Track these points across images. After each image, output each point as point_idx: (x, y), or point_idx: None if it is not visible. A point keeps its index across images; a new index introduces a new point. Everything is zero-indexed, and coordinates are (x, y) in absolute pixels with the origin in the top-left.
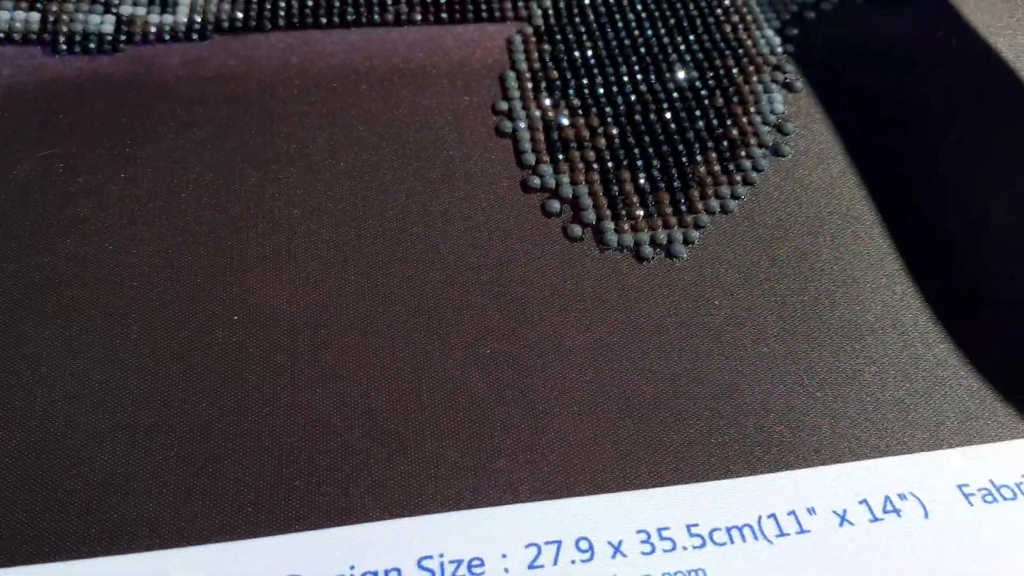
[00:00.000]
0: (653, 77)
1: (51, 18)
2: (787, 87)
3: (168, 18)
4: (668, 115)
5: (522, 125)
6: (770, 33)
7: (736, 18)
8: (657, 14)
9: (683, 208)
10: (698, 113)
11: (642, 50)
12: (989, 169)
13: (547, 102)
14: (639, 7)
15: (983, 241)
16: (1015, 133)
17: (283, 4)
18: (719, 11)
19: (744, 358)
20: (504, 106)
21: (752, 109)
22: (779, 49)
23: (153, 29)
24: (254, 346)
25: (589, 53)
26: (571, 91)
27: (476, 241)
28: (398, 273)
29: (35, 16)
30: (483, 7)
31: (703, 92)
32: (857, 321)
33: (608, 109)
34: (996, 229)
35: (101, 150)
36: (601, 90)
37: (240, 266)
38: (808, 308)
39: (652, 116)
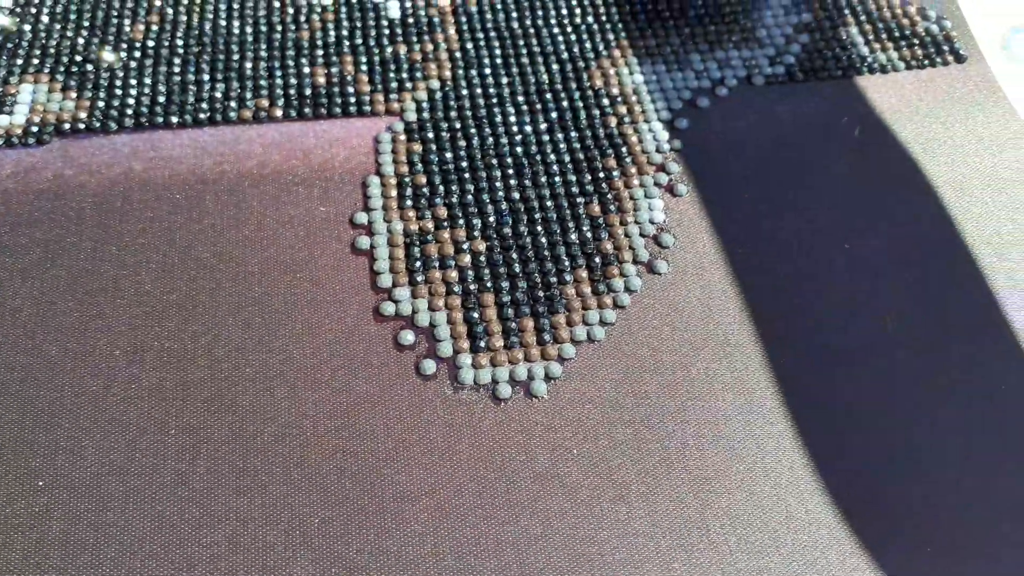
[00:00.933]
0: (528, 181)
1: None
2: (670, 191)
3: (4, 120)
4: (540, 227)
5: (381, 241)
6: (658, 126)
7: (623, 109)
8: (539, 106)
9: (547, 338)
10: (572, 224)
11: (519, 149)
12: (888, 288)
13: (412, 213)
14: (520, 99)
15: (866, 371)
16: (922, 239)
17: (131, 101)
18: (605, 102)
19: (603, 518)
20: (363, 218)
21: (630, 219)
22: (666, 146)
23: None
24: (60, 519)
25: (462, 152)
26: (439, 199)
27: (316, 382)
28: (224, 426)
29: None
30: (351, 101)
31: (579, 199)
32: (729, 468)
33: (477, 221)
34: (880, 350)
35: None
36: (471, 197)
37: (48, 421)
38: (673, 456)
39: (523, 228)
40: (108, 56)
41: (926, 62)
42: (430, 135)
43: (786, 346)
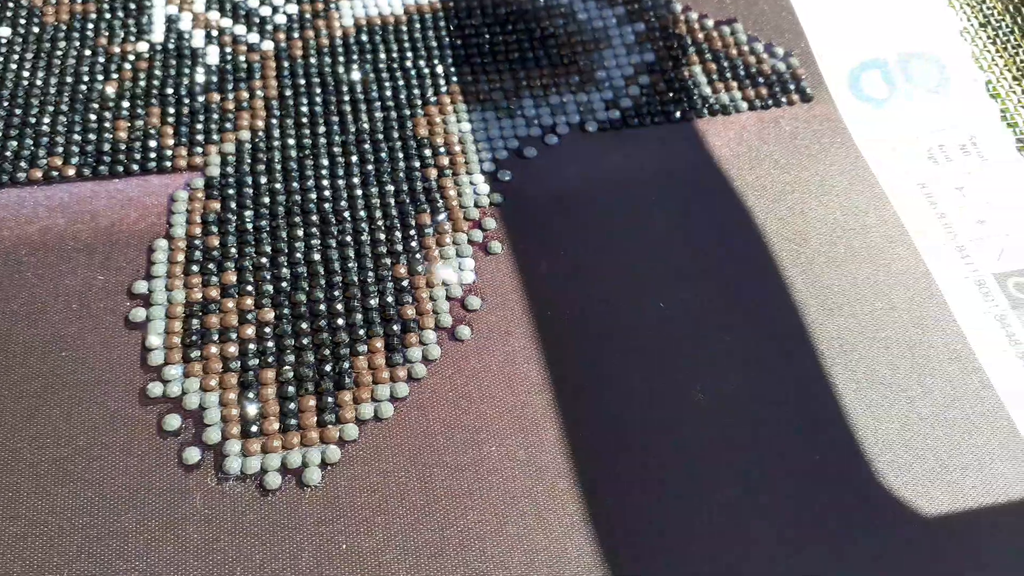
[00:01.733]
0: (333, 240)
1: None
2: (484, 249)
3: None
4: (337, 292)
5: (159, 312)
6: (480, 179)
7: (445, 160)
8: (355, 157)
9: (329, 418)
10: (374, 288)
11: (326, 205)
12: (705, 353)
13: (197, 280)
14: (336, 151)
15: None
16: (749, 295)
17: None
18: (427, 152)
19: None
20: (143, 287)
21: (436, 279)
22: (485, 199)
23: None
24: None
25: (264, 210)
26: (230, 263)
27: (68, 475)
28: None
29: None
30: (152, 156)
31: (386, 259)
32: (510, 560)
33: (269, 287)
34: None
35: None
36: (265, 260)
37: None
38: (450, 547)
39: (319, 293)
40: None
41: (771, 102)
42: (231, 191)
43: (586, 420)
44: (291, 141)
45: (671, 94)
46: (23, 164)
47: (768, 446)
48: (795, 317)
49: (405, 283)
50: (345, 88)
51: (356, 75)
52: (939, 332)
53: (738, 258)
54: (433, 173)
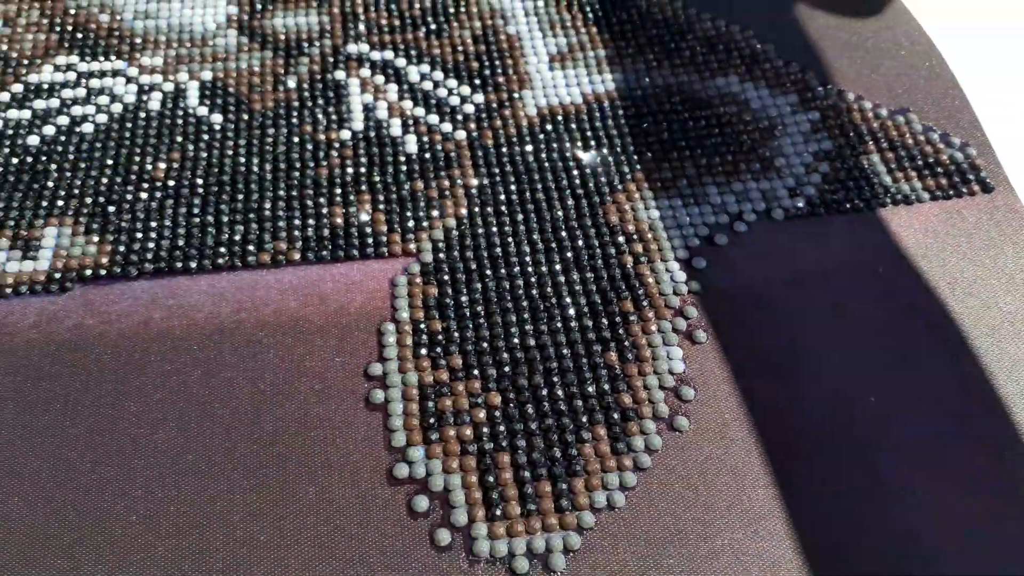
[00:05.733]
0: (545, 327)
1: None
2: (689, 338)
3: (28, 265)
4: (556, 378)
5: (396, 395)
6: (675, 266)
7: (639, 248)
8: (554, 244)
9: (566, 504)
10: (589, 375)
11: (534, 292)
12: (913, 443)
13: (427, 363)
14: (535, 238)
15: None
16: (951, 387)
17: (151, 245)
18: (621, 239)
19: None
20: (378, 369)
21: (648, 368)
22: (683, 287)
23: (10, 280)
24: None
25: (478, 295)
26: (454, 347)
27: (330, 553)
28: None
29: None
30: (369, 242)
31: (596, 346)
32: None
33: (492, 371)
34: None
35: None
36: (486, 344)
37: None
38: None
39: (539, 378)
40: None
41: (951, 192)
42: (446, 277)
43: (813, 515)
44: (493, 229)
45: (852, 183)
46: (251, 248)
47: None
48: (999, 409)
49: (618, 371)
50: (536, 176)
51: (586, 157)
52: None
53: (936, 352)
54: (629, 260)
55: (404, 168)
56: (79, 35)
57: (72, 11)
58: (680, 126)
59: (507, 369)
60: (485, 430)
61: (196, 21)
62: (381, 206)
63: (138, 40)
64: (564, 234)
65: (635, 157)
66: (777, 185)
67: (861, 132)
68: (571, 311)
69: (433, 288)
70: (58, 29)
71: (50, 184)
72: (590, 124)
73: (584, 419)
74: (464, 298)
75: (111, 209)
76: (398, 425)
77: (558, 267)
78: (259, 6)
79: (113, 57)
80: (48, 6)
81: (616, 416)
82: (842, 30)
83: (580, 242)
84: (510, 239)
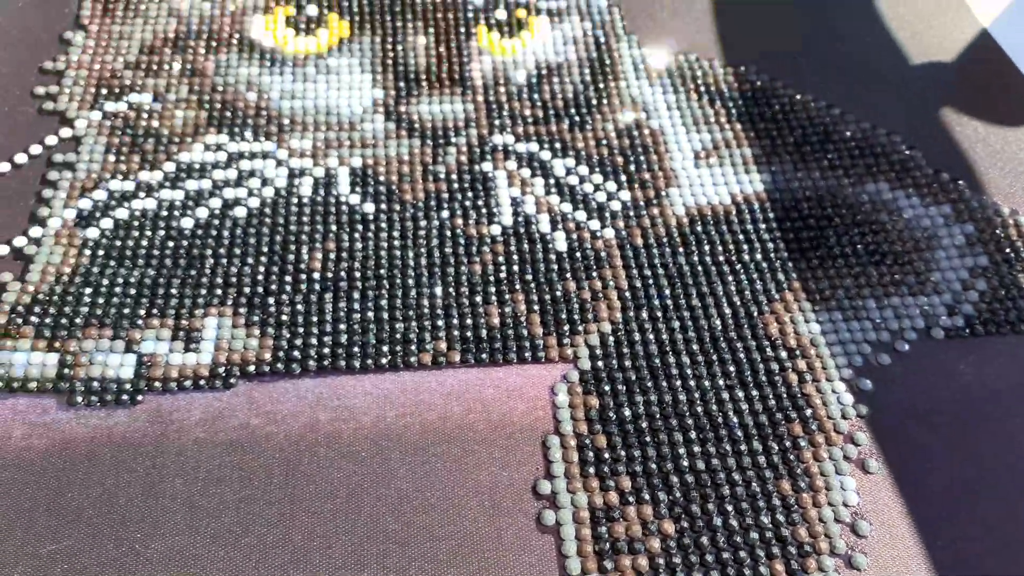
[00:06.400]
0: (712, 448)
1: (68, 358)
2: (860, 466)
3: (191, 358)
4: (730, 506)
5: (567, 517)
6: (841, 387)
7: (802, 364)
8: (714, 356)
9: None
10: (762, 503)
11: (699, 408)
12: None
13: (595, 483)
14: (694, 347)
15: None
16: None
17: (313, 341)
18: (783, 354)
19: None
20: (547, 487)
21: (823, 499)
22: (851, 411)
23: (175, 373)
24: None
25: (640, 409)
26: (622, 467)
27: None
28: None
29: (52, 358)
30: (526, 345)
31: (767, 471)
32: None
33: (663, 494)
34: None
35: (108, 544)
36: (655, 465)
37: None
38: None
39: (711, 505)
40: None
41: None
42: (606, 387)
43: None
44: (650, 336)
45: (1010, 302)
46: (413, 348)
47: None
48: None
49: (792, 501)
50: (690, 281)
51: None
52: None
53: None
54: (794, 378)
55: (555, 267)
56: (228, 113)
57: (220, 88)
58: (833, 232)
59: (678, 494)
60: (661, 561)
61: (343, 104)
62: (535, 307)
63: (286, 121)
64: (723, 344)
65: (789, 264)
66: (935, 301)
67: (1018, 248)
68: (739, 432)
69: (594, 399)
70: (207, 106)
71: (207, 270)
72: (740, 227)
73: (761, 553)
74: (627, 411)
75: (270, 300)
76: (572, 551)
77: (721, 381)
78: (404, 92)
79: (262, 138)
80: (196, 82)
81: (793, 550)
82: (992, 137)
83: (741, 355)
84: (668, 348)
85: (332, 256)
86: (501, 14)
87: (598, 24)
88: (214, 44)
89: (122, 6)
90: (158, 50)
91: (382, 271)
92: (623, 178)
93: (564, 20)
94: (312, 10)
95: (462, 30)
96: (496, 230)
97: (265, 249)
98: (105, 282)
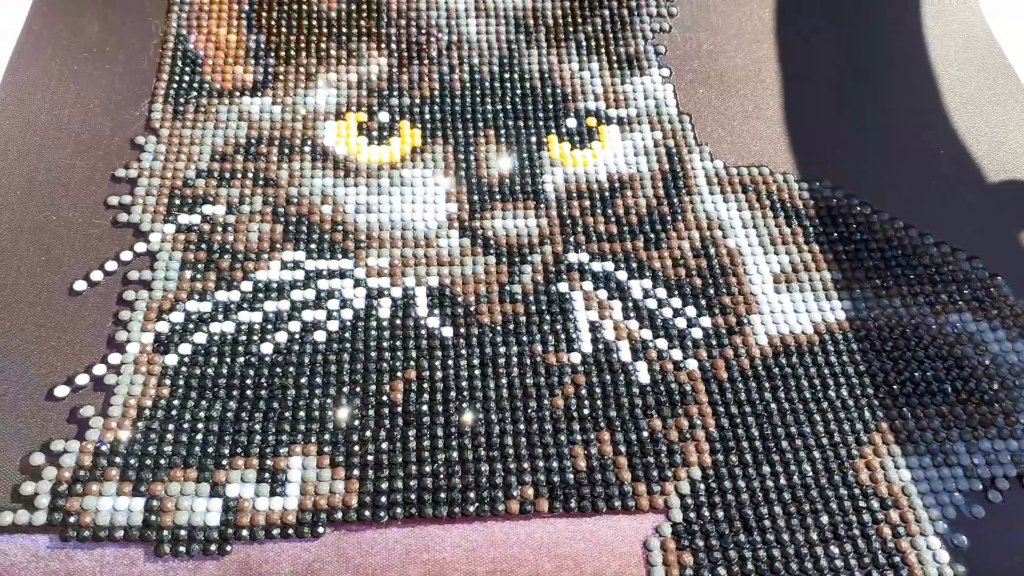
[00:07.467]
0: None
1: (155, 503)
2: None
3: (277, 503)
4: None
5: None
6: (936, 543)
7: (895, 516)
8: (807, 507)
9: None
10: None
11: (793, 565)
12: None
13: None
14: (786, 496)
15: None
16: None
17: (399, 485)
18: (875, 504)
19: None
20: None
21: None
22: (948, 570)
23: (262, 520)
24: None
25: (736, 568)
26: None
27: None
28: None
29: (138, 504)
30: (615, 493)
31: None
32: None
33: None
34: None
35: None
36: None
37: None
38: None
39: None
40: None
41: None
42: (699, 541)
43: None
44: (741, 483)
45: None
46: (500, 494)
47: None
48: None
49: None
50: (778, 421)
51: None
52: None
53: None
54: (887, 532)
55: (639, 401)
56: (303, 228)
57: (295, 200)
58: (918, 366)
59: None
60: None
61: (417, 218)
62: (621, 446)
63: (362, 237)
64: (815, 493)
65: (875, 402)
66: None
67: None
68: None
69: (688, 556)
70: (282, 219)
71: (288, 402)
72: (824, 359)
73: None
74: (722, 570)
75: (354, 438)
76: None
77: (814, 535)
78: (479, 206)
79: (340, 255)
80: (271, 193)
81: None
82: None
83: (833, 504)
84: (759, 496)
85: (414, 387)
86: (572, 122)
87: (668, 133)
88: (287, 151)
89: (192, 109)
90: (230, 157)
91: (464, 404)
92: (702, 302)
93: (635, 129)
94: (384, 116)
95: (533, 140)
96: (576, 358)
97: (346, 379)
98: (188, 416)
